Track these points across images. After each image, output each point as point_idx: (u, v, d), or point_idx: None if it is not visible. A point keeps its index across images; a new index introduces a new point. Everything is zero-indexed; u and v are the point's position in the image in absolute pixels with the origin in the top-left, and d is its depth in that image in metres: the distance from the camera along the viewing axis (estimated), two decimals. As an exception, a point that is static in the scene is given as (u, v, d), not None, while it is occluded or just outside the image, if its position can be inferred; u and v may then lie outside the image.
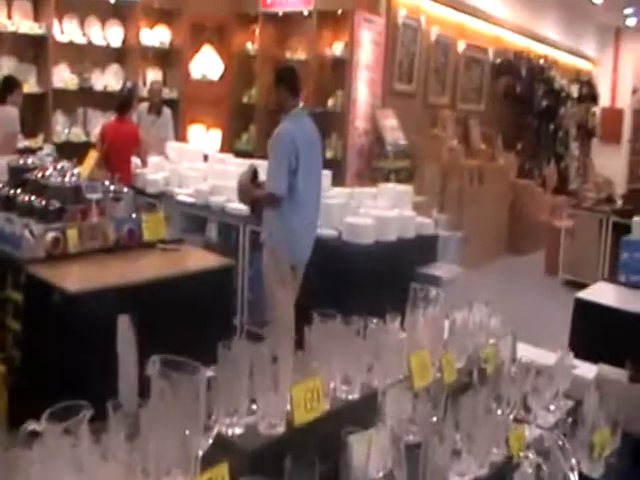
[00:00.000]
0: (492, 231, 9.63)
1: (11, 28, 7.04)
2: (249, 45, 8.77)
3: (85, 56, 7.96)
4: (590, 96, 13.70)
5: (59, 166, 4.63)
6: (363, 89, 7.79)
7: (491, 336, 2.59)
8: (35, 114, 7.30)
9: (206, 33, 8.81)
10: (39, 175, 4.34)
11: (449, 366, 2.22)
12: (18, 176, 4.45)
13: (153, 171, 6.58)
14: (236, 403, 1.69)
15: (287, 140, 4.43)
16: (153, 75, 8.67)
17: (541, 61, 11.61)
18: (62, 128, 7.71)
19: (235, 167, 6.16)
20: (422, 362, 2.03)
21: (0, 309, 4.21)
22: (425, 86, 9.00)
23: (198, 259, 4.38)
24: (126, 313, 3.73)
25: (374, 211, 5.56)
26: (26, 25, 7.16)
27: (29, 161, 4.63)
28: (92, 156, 4.42)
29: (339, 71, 8.04)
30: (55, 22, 7.38)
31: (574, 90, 13.02)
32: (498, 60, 10.67)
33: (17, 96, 6.40)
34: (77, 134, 7.78)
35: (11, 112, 6.11)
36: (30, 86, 7.10)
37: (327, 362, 1.90)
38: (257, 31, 8.65)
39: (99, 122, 8.06)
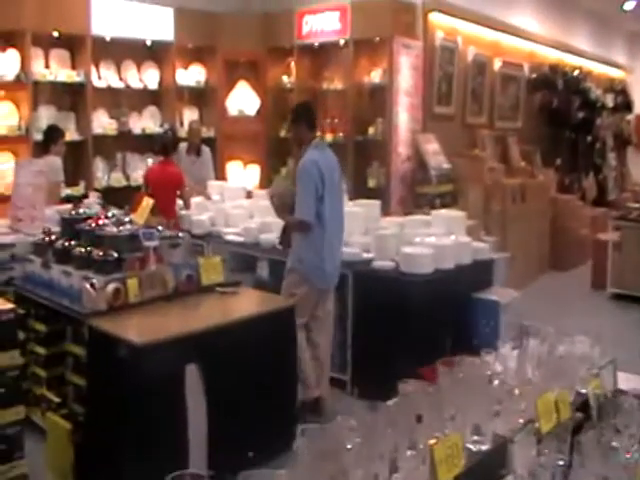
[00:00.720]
0: (535, 248, 9.44)
1: (49, 77, 7.05)
2: (284, 78, 8.72)
3: (121, 100, 7.96)
4: (625, 104, 13.48)
5: (110, 214, 4.59)
6: (403, 115, 7.68)
7: (592, 366, 2.47)
8: (75, 161, 7.28)
9: (240, 69, 8.79)
10: (92, 225, 4.28)
11: (564, 404, 2.08)
12: (71, 227, 4.40)
13: (197, 212, 6.52)
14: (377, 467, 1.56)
15: (312, 168, 4.60)
16: (190, 115, 8.65)
17: (576, 73, 11.42)
18: (102, 174, 7.69)
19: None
20: (548, 405, 1.88)
21: (59, 363, 4.15)
22: (463, 107, 8.88)
23: (259, 302, 4.28)
24: (193, 362, 3.66)
25: (430, 239, 5.42)
26: (64, 73, 7.17)
27: (80, 211, 4.57)
28: (147, 203, 4.35)
29: (378, 98, 7.94)
30: (92, 68, 7.38)
31: (609, 100, 12.82)
32: (533, 75, 10.52)
33: (60, 145, 6.40)
34: (117, 179, 7.76)
35: (55, 162, 6.09)
36: (70, 134, 7.08)
37: (457, 412, 1.77)
38: (292, 64, 8.59)
39: (138, 166, 8.07)
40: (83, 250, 4.11)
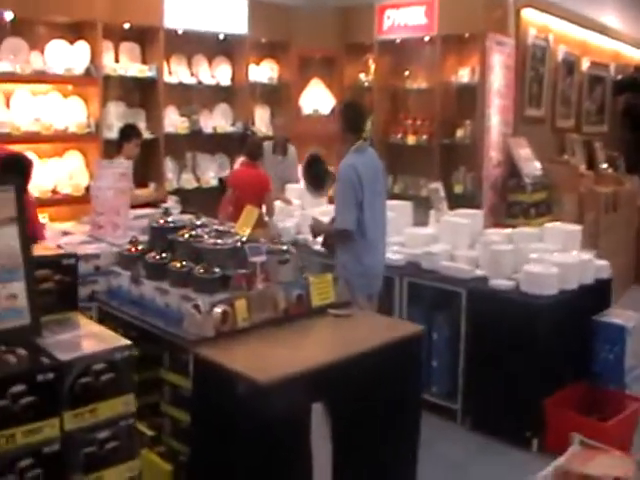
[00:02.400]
0: (622, 261, 8.80)
1: (120, 72, 6.59)
2: (362, 76, 8.18)
3: (192, 97, 7.49)
4: None
5: (198, 222, 4.09)
6: (495, 117, 7.09)
7: None
8: (144, 162, 6.80)
9: (315, 66, 8.28)
10: (188, 236, 3.78)
11: None
12: (161, 238, 3.89)
13: (281, 218, 6.01)
14: None
15: (351, 174, 4.43)
16: (261, 113, 8.16)
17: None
18: (172, 175, 7.22)
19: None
20: None
21: (152, 391, 3.65)
22: (553, 110, 8.27)
23: (381, 327, 3.72)
24: (319, 400, 3.14)
25: (552, 256, 4.84)
26: (135, 68, 6.70)
27: (169, 219, 4.06)
28: (252, 212, 3.82)
29: (466, 99, 7.37)
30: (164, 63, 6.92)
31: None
32: (619, 76, 9.87)
33: (134, 146, 5.91)
34: (188, 180, 7.29)
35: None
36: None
37: None
38: (370, 61, 8.05)
39: (209, 167, 7.60)
40: (180, 265, 3.60)
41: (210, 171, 7.51)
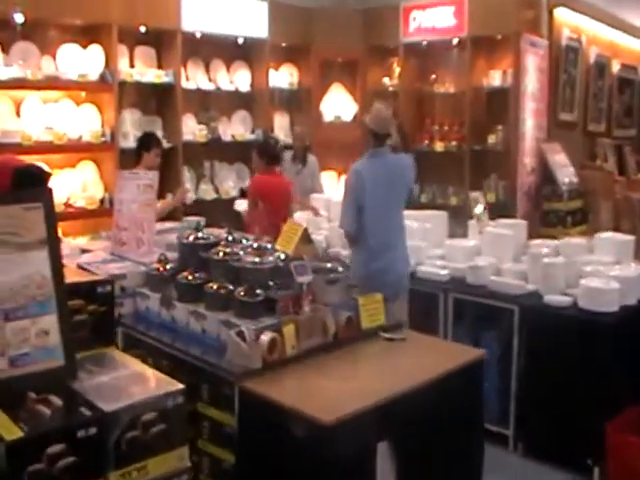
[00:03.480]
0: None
1: (136, 77, 6.25)
2: (386, 80, 7.83)
3: (210, 103, 7.15)
4: None
5: (230, 238, 3.75)
6: (529, 121, 6.75)
7: None
8: (161, 172, 6.43)
9: (336, 70, 7.95)
10: (223, 254, 3.43)
11: None
12: (193, 256, 3.54)
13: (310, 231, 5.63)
14: None
15: (352, 178, 4.50)
16: (281, 120, 7.82)
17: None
18: (190, 185, 6.87)
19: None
20: None
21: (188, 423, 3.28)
22: (585, 113, 7.92)
23: (438, 351, 3.36)
24: (385, 438, 2.80)
25: (605, 269, 4.49)
26: (151, 73, 6.36)
27: (199, 235, 3.70)
28: (295, 227, 3.47)
29: (497, 103, 7.03)
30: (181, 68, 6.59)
31: None
32: (647, 79, 9.55)
33: (155, 156, 5.54)
34: (207, 191, 6.95)
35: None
36: (158, 140, 6.25)
37: None
38: (395, 64, 7.71)
39: (227, 176, 7.27)
40: (218, 286, 3.25)
41: (229, 180, 7.18)
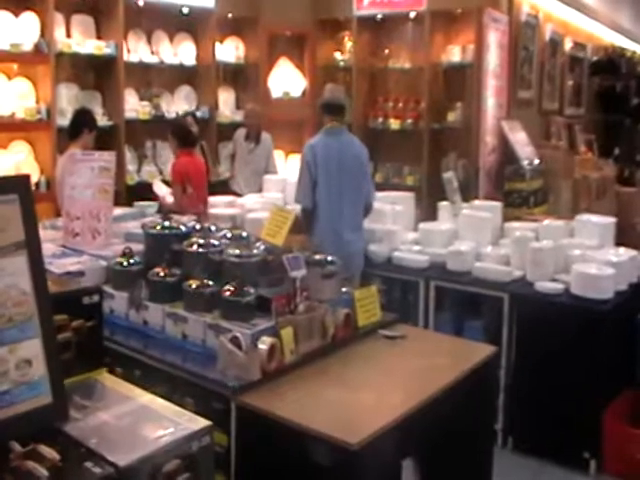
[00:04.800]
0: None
1: (75, 48, 5.68)
2: (337, 55, 7.44)
3: (152, 78, 6.63)
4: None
5: (211, 228, 3.35)
6: (490, 99, 6.48)
7: None
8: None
9: (284, 44, 7.51)
10: (199, 246, 3.01)
11: None
12: (162, 248, 3.10)
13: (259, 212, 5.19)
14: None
15: (306, 153, 4.56)
16: (226, 97, 7.34)
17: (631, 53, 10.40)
18: (132, 167, 6.36)
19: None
20: None
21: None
22: (540, 91, 7.71)
23: (447, 349, 3.02)
24: (409, 455, 2.46)
25: (593, 253, 4.26)
26: (91, 44, 5.80)
27: (166, 223, 3.27)
28: (285, 216, 3.06)
29: (456, 80, 6.73)
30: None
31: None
32: (594, 58, 9.42)
33: (91, 135, 5.07)
34: (151, 173, 6.43)
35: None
36: (97, 118, 5.69)
37: None
38: (346, 38, 7.33)
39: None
40: (200, 283, 2.84)
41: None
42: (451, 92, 6.80)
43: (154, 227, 3.24)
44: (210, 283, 2.83)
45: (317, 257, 3.00)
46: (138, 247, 3.31)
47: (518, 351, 4.07)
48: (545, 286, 4.02)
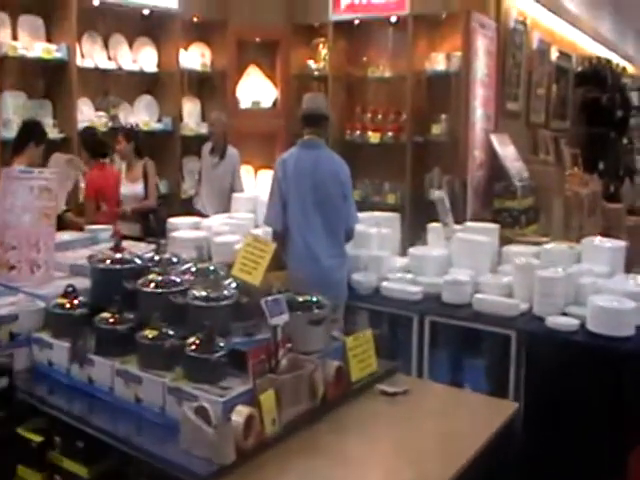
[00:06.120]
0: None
1: (21, 51, 5.10)
2: (311, 63, 6.92)
3: (109, 87, 6.06)
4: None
5: (173, 259, 2.81)
6: (478, 111, 6.01)
7: None
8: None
9: (254, 50, 6.97)
10: (153, 285, 2.46)
11: None
12: (113, 287, 2.53)
13: (224, 237, 4.62)
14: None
15: (277, 168, 4.14)
16: (191, 107, 6.79)
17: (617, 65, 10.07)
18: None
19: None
20: None
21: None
22: (527, 103, 7.26)
23: (462, 408, 2.48)
24: None
25: (606, 283, 3.77)
26: (39, 47, 5.22)
27: (117, 256, 2.70)
28: (263, 249, 2.50)
29: (441, 90, 6.26)
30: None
31: (634, 97, 11.44)
32: (579, 68, 9.04)
33: (38, 149, 4.53)
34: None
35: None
36: (47, 130, 5.12)
37: None
38: (321, 45, 6.82)
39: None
40: (157, 333, 2.28)
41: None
42: (435, 103, 6.31)
43: (103, 260, 2.68)
44: (170, 332, 2.28)
45: (301, 299, 2.45)
46: (86, 283, 2.75)
47: (529, 396, 3.55)
48: (558, 322, 3.51)
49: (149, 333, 2.27)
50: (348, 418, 2.31)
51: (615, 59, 10.98)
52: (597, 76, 9.09)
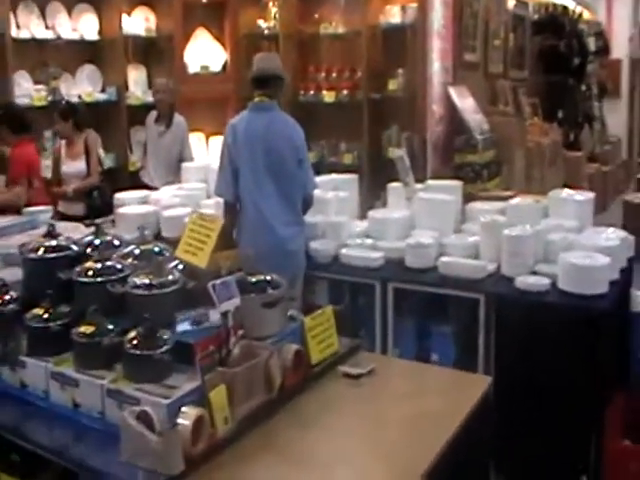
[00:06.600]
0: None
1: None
2: (261, 23, 6.62)
3: (48, 57, 5.73)
4: (605, 49, 11.99)
5: (115, 242, 2.58)
6: (436, 64, 5.80)
7: None
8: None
9: (201, 13, 6.65)
10: (91, 272, 2.24)
11: None
12: (47, 278, 2.31)
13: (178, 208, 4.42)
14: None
15: (227, 133, 3.93)
16: (136, 74, 6.47)
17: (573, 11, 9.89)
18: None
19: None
20: None
21: None
22: (486, 53, 7.04)
23: (434, 386, 2.32)
24: None
25: (576, 237, 3.63)
26: (-33, 19, 4.90)
27: (52, 243, 2.47)
28: (212, 227, 2.29)
29: (396, 44, 6.02)
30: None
31: (591, 43, 11.29)
32: (536, 16, 8.84)
33: None
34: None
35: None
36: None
37: None
38: (271, 4, 6.53)
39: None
40: (93, 329, 2.07)
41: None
42: (391, 57, 6.07)
43: (35, 249, 2.45)
44: (110, 327, 2.07)
45: (254, 279, 2.25)
46: (20, 274, 2.53)
47: (499, 362, 3.41)
48: (527, 282, 3.36)
49: (85, 329, 2.07)
50: (309, 408, 2.13)
51: (571, 5, 10.78)
52: (554, 23, 8.90)
